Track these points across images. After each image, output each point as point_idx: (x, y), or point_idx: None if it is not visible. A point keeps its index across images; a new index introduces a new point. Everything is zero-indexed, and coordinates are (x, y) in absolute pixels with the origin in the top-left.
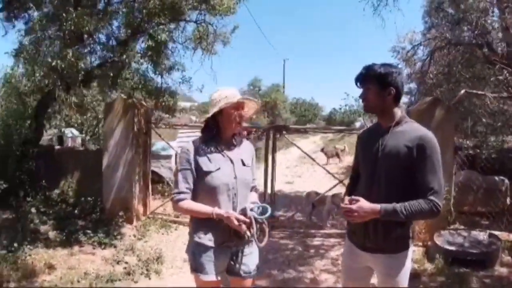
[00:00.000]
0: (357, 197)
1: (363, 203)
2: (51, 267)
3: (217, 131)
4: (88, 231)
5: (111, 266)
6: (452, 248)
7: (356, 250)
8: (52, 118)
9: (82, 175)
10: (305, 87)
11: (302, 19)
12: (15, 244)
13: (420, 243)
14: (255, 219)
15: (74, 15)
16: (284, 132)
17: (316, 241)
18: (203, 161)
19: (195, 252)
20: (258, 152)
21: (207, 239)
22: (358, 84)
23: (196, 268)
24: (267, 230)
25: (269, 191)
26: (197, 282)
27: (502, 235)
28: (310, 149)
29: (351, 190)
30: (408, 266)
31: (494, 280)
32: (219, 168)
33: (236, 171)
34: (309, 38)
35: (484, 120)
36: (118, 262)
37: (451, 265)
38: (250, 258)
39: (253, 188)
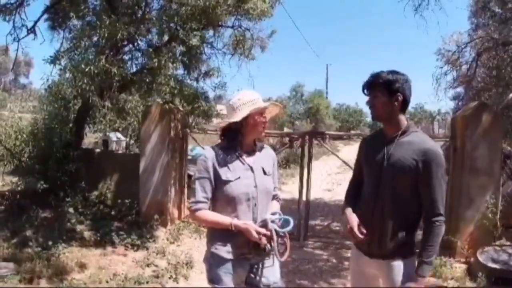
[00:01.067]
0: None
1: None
2: (82, 266)
3: (239, 136)
4: (122, 233)
5: (140, 268)
6: (496, 266)
7: (362, 257)
8: (97, 123)
9: (121, 178)
10: (349, 92)
11: (346, 24)
12: (50, 242)
13: (463, 260)
14: (276, 232)
15: (107, 22)
16: (320, 138)
17: None
18: (222, 169)
19: (211, 263)
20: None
21: (225, 251)
22: (365, 91)
23: (213, 279)
24: (288, 243)
25: (304, 199)
26: None
27: None
28: (353, 156)
29: (353, 197)
30: (413, 273)
31: None
32: (238, 177)
33: (256, 180)
34: (353, 43)
35: None
36: (148, 265)
37: (494, 284)
38: (271, 270)
39: (275, 197)
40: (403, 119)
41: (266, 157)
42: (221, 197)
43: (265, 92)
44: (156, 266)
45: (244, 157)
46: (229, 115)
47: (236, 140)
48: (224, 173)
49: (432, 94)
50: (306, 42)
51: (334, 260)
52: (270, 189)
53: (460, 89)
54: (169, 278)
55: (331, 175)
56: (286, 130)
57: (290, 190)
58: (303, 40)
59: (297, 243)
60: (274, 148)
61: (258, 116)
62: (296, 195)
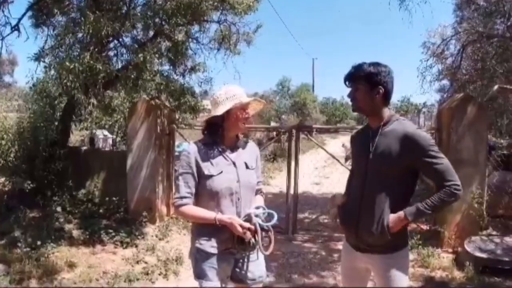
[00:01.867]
0: None
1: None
2: (72, 265)
3: (221, 132)
4: (111, 231)
5: (130, 266)
6: (483, 255)
7: (353, 251)
8: (83, 120)
9: (108, 175)
10: (335, 86)
11: (332, 17)
12: (39, 242)
13: (450, 250)
14: (260, 226)
15: (92, 18)
16: (307, 132)
17: (341, 245)
18: (204, 164)
19: (197, 258)
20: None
21: (209, 245)
22: (347, 83)
23: (199, 274)
24: (273, 237)
25: (291, 192)
26: None
27: None
28: (341, 150)
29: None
30: (406, 266)
31: None
32: (221, 172)
33: (239, 175)
34: (339, 36)
35: None
36: (137, 262)
37: (482, 273)
38: (256, 264)
39: (259, 191)
40: (385, 110)
41: (249, 152)
42: (204, 192)
43: (251, 86)
44: (146, 263)
45: (226, 152)
46: (212, 109)
47: (218, 134)
48: (207, 168)
49: (418, 87)
50: (292, 37)
51: (323, 253)
52: (253, 183)
53: (445, 82)
54: (159, 274)
55: (318, 169)
56: (273, 124)
57: (278, 184)
58: (289, 35)
59: (286, 237)
60: (261, 142)
61: (241, 111)
62: (284, 189)
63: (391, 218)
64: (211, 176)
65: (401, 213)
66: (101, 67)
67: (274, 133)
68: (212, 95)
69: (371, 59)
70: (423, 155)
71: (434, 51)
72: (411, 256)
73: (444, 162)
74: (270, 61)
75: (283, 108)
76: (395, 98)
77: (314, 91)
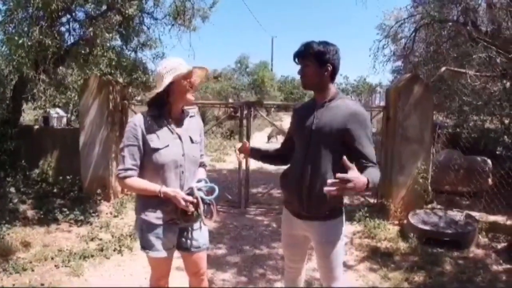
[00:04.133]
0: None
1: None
2: (27, 245)
3: (167, 105)
4: (65, 209)
5: (85, 243)
6: (427, 227)
7: (292, 218)
8: (37, 99)
9: (61, 154)
10: (294, 65)
11: None
12: None
13: (396, 222)
14: (202, 199)
15: None
16: (264, 109)
17: None
18: (150, 137)
19: (143, 229)
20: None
21: (154, 217)
22: (297, 60)
23: (145, 245)
24: (214, 210)
25: (244, 167)
26: (148, 259)
27: (481, 216)
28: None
29: (271, 151)
30: (340, 232)
31: (469, 261)
32: (167, 146)
33: (184, 148)
34: (299, 15)
35: (465, 98)
36: (92, 239)
37: (425, 245)
38: (200, 232)
39: (201, 164)
40: (332, 87)
41: (194, 126)
42: (149, 165)
43: (210, 64)
44: (100, 239)
45: (172, 125)
46: (157, 84)
47: (163, 109)
48: (153, 141)
49: (371, 67)
50: (251, 14)
51: (274, 225)
52: (197, 157)
53: (399, 63)
54: (114, 250)
55: (275, 145)
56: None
57: (233, 160)
58: (248, 12)
59: (238, 211)
60: (219, 119)
61: (185, 81)
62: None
63: (355, 174)
64: (157, 149)
65: (365, 178)
66: (50, 42)
67: (233, 110)
68: (155, 71)
69: (330, 39)
70: (357, 131)
71: (388, 32)
72: (359, 227)
73: (371, 150)
74: (229, 38)
75: (242, 85)
76: (352, 77)
77: (272, 69)
